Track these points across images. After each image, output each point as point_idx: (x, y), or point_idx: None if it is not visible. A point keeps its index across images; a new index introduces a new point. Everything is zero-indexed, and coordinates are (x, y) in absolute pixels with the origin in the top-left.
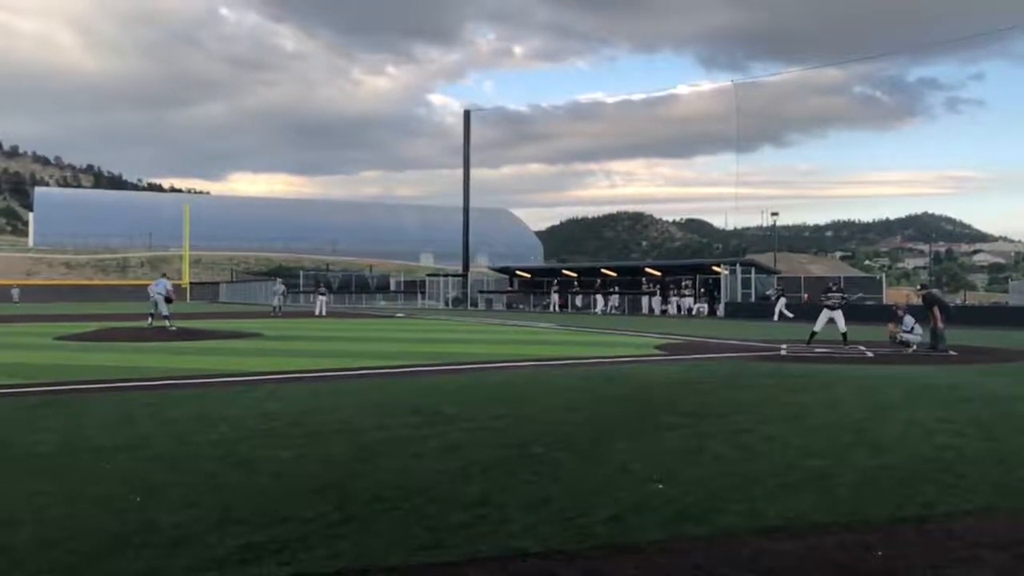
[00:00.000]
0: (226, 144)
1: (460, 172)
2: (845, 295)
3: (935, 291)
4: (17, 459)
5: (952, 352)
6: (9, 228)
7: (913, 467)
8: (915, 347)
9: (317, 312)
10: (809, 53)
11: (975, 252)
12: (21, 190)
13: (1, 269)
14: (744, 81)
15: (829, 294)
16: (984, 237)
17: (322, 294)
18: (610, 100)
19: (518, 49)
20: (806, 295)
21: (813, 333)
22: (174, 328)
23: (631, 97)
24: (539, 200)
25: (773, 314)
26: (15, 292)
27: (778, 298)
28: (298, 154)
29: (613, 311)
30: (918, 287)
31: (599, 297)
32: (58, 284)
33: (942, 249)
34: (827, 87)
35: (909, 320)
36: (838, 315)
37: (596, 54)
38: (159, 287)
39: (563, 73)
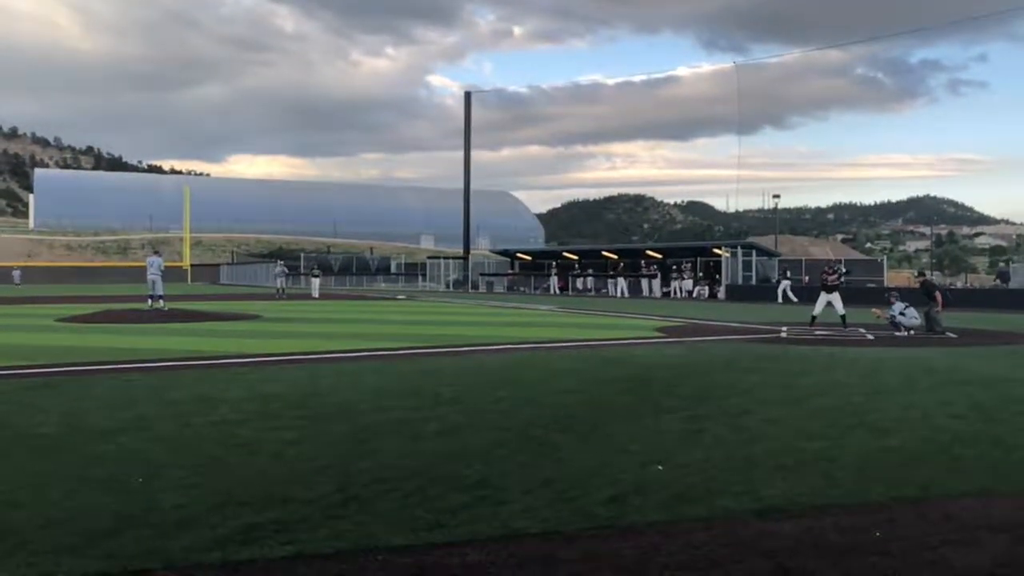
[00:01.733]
0: (226, 126)
1: (460, 154)
2: (842, 276)
3: (932, 278)
4: (19, 440)
5: (951, 335)
6: (9, 210)
7: (912, 449)
8: (912, 331)
9: (314, 294)
10: (810, 34)
11: (977, 235)
12: (21, 172)
13: (2, 251)
14: (745, 63)
15: (825, 276)
16: (986, 220)
17: (316, 276)
18: (610, 82)
19: (518, 30)
20: (806, 277)
21: (813, 316)
22: (167, 308)
23: (632, 79)
24: (540, 183)
25: (776, 296)
26: (16, 274)
27: (779, 281)
28: (298, 136)
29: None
30: (916, 273)
31: (621, 280)
32: (59, 266)
33: (944, 232)
34: (828, 69)
35: (899, 305)
36: (835, 297)
37: (596, 35)
38: (155, 266)
39: (563, 54)
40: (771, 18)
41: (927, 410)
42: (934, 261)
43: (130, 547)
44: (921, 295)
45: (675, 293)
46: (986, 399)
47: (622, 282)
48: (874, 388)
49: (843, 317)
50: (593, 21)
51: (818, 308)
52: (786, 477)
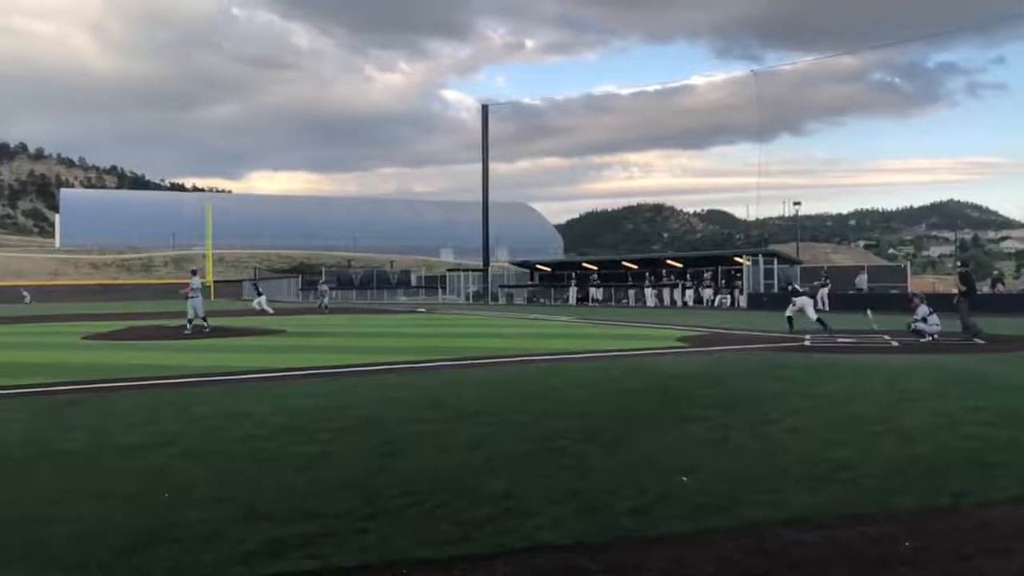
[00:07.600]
0: (244, 143)
1: (476, 167)
2: (823, 284)
3: (970, 270)
4: (48, 457)
5: (979, 340)
6: (36, 230)
7: (941, 457)
8: (935, 336)
9: (323, 302)
10: (824, 41)
11: (1002, 239)
12: (47, 192)
13: (29, 270)
14: (761, 70)
15: (814, 284)
16: (1011, 224)
17: (323, 291)
18: (624, 92)
19: (530, 43)
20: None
21: (820, 321)
22: (191, 330)
23: (645, 88)
24: (557, 194)
25: (819, 303)
26: (26, 295)
27: (820, 286)
28: (315, 152)
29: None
30: (958, 263)
31: (648, 289)
32: (84, 284)
33: (968, 236)
34: (844, 75)
35: (923, 309)
36: (806, 303)
37: (607, 46)
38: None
39: (575, 65)
40: (783, 25)
41: (956, 417)
42: (959, 266)
43: (158, 562)
44: (966, 289)
45: (668, 299)
46: (1017, 405)
47: (649, 291)
48: (901, 395)
49: (820, 321)
50: (604, 32)
51: (811, 315)
52: (813, 486)
